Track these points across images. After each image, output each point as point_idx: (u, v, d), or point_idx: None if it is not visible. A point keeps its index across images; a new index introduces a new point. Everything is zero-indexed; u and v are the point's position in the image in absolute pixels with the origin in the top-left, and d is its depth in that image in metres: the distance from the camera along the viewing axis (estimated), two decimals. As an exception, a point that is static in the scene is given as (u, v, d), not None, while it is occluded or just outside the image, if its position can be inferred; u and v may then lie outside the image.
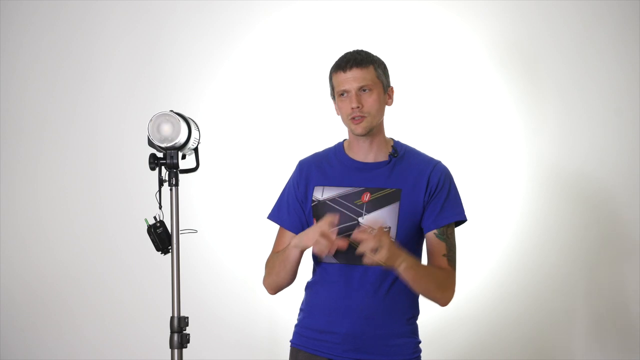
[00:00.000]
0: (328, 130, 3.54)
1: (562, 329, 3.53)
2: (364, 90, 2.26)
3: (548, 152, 3.54)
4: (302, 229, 2.36)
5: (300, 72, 3.66)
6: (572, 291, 3.52)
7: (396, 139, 2.41)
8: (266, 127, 3.68)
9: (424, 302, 2.39)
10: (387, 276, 2.27)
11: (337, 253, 2.25)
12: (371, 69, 2.29)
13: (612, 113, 3.52)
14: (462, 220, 2.35)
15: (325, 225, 2.14)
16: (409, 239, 2.30)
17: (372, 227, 2.20)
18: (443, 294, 2.31)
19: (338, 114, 2.37)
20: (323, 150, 2.46)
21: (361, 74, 2.27)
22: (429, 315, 2.66)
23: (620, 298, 3.50)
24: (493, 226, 3.55)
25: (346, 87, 2.26)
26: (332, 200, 2.30)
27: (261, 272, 3.58)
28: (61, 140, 3.76)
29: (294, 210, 2.38)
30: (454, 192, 2.35)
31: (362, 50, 2.34)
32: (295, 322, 2.43)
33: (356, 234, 2.11)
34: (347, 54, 2.33)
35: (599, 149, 3.51)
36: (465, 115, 3.58)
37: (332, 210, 2.28)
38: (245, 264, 3.66)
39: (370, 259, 2.11)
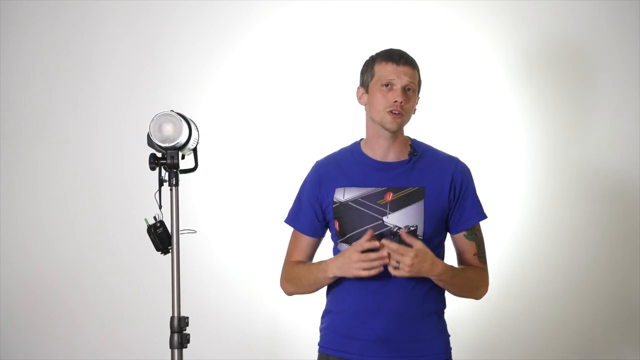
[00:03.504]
0: (327, 130, 3.55)
1: (562, 328, 3.53)
2: (408, 90, 2.26)
3: (548, 152, 3.54)
4: (318, 233, 2.36)
5: (300, 72, 3.66)
6: (572, 291, 3.52)
7: (412, 137, 2.39)
8: (266, 128, 3.67)
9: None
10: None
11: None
12: (416, 73, 2.31)
13: (613, 113, 3.52)
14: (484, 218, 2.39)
15: (360, 250, 2.14)
16: (435, 236, 2.30)
17: (403, 229, 2.19)
18: (477, 292, 2.36)
19: (363, 104, 2.34)
20: (339, 151, 2.42)
21: (412, 73, 2.28)
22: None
23: (621, 298, 3.50)
24: (493, 226, 3.54)
25: (395, 79, 2.25)
26: (354, 201, 2.27)
27: (261, 272, 3.61)
28: (61, 140, 3.76)
29: (311, 213, 2.35)
30: (475, 190, 2.37)
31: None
32: (320, 325, 2.38)
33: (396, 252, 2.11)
34: (396, 49, 2.32)
35: (601, 148, 3.51)
36: (464, 114, 3.58)
37: (354, 211, 2.25)
38: (246, 264, 3.66)
39: (400, 272, 2.11)
